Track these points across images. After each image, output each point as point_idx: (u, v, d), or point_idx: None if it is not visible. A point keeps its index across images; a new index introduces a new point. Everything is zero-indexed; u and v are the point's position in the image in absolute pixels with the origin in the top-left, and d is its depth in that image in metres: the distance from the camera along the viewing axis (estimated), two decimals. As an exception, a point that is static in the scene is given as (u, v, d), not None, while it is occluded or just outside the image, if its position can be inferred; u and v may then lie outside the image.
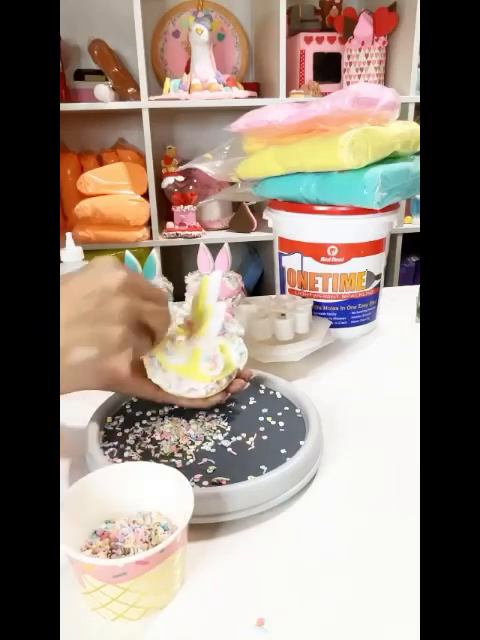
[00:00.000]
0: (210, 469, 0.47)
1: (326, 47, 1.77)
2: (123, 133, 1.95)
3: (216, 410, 0.56)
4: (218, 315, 0.52)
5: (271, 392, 0.60)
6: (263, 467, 0.47)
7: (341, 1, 1.78)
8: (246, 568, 0.40)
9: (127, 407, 0.58)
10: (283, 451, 0.49)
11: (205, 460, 0.48)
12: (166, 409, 0.56)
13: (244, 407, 0.57)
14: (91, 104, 1.62)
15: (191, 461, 0.48)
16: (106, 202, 1.63)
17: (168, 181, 1.77)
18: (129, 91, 1.67)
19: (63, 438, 0.53)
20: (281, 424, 0.54)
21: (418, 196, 1.45)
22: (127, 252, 0.75)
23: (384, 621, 0.36)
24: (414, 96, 1.68)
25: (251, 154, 0.77)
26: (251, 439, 0.51)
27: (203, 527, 0.43)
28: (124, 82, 1.70)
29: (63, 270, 0.62)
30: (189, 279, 0.77)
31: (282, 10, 1.57)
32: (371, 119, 0.67)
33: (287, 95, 1.67)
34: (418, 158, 0.74)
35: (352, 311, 0.78)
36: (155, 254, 0.76)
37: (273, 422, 0.54)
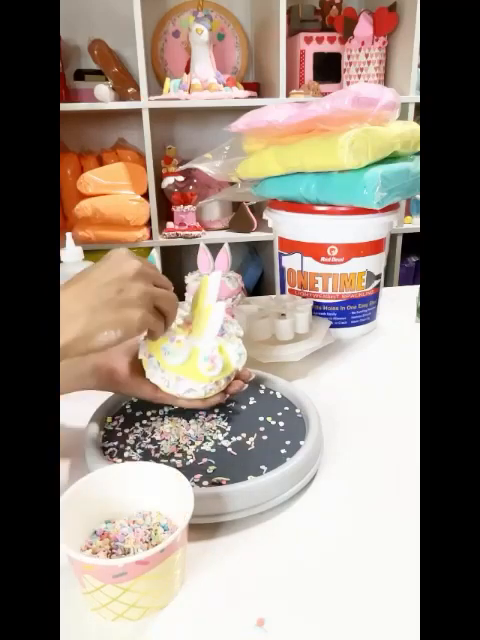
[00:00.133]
0: (210, 469, 0.47)
1: (326, 47, 1.77)
2: (123, 133, 1.95)
3: (216, 410, 0.56)
4: (218, 315, 0.52)
5: (271, 392, 0.60)
6: (263, 467, 0.47)
7: (341, 1, 1.78)
8: (246, 568, 0.40)
9: (127, 407, 0.58)
10: (283, 451, 0.49)
11: (205, 460, 0.48)
12: (166, 409, 0.56)
13: (244, 407, 0.57)
14: (91, 104, 1.62)
15: (191, 461, 0.48)
16: (106, 202, 1.63)
17: (168, 181, 1.77)
18: (129, 91, 1.67)
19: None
20: (281, 424, 0.54)
21: (418, 196, 1.45)
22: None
23: (384, 621, 0.36)
24: (414, 96, 1.68)
25: (251, 154, 0.77)
26: (251, 439, 0.51)
27: (203, 527, 0.43)
28: (124, 82, 1.69)
29: (63, 270, 0.63)
30: (189, 279, 0.77)
31: (282, 10, 1.56)
32: (371, 119, 0.67)
33: (287, 95, 1.67)
34: (418, 158, 0.74)
35: (352, 311, 0.78)
36: (155, 254, 0.76)
37: (273, 422, 0.54)
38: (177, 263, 2.05)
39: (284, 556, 0.41)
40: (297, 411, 0.56)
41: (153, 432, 0.52)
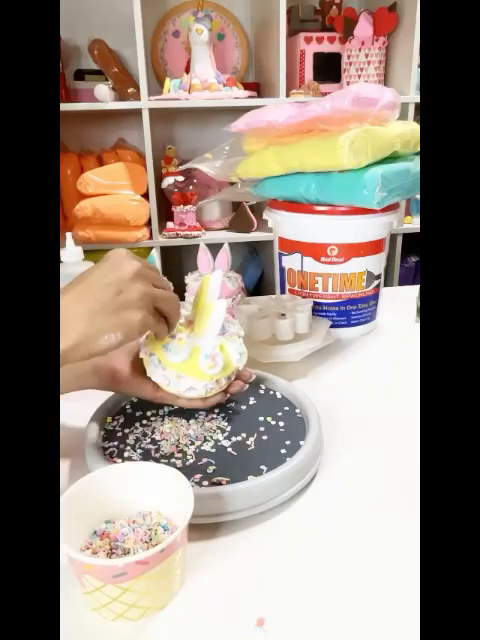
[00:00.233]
0: (210, 469, 0.47)
1: (326, 47, 1.77)
2: (123, 133, 1.95)
3: (216, 410, 0.56)
4: (219, 313, 0.52)
5: (271, 392, 0.60)
6: (263, 467, 0.47)
7: (341, 1, 1.78)
8: (246, 568, 0.40)
9: (127, 407, 0.58)
10: (283, 451, 0.49)
11: (205, 460, 0.48)
12: (166, 409, 0.56)
13: (244, 407, 0.57)
14: (91, 104, 1.62)
15: (191, 461, 0.48)
16: (106, 202, 1.63)
17: (168, 181, 1.77)
18: (129, 91, 1.67)
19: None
20: (281, 424, 0.54)
21: (418, 196, 1.45)
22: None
23: (384, 621, 0.36)
24: (414, 96, 1.68)
25: (251, 154, 0.77)
26: (251, 439, 0.51)
27: (203, 527, 0.43)
28: (124, 82, 1.69)
29: (63, 270, 0.63)
30: (189, 279, 0.77)
31: (282, 10, 1.56)
32: (371, 119, 0.67)
33: (287, 95, 1.67)
34: (418, 158, 0.74)
35: (352, 311, 0.78)
36: (155, 254, 0.76)
37: (273, 422, 0.54)
38: (177, 263, 2.05)
39: (284, 556, 0.41)
40: (297, 411, 0.56)
41: (153, 432, 0.52)
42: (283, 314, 0.71)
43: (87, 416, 0.54)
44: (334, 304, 0.77)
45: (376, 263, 0.78)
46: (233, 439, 0.51)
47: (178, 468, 0.41)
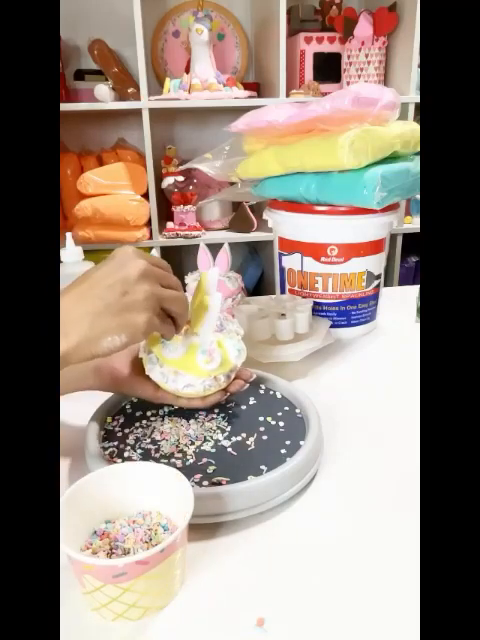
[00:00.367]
0: (210, 469, 0.47)
1: (326, 47, 1.77)
2: (123, 133, 1.95)
3: (216, 410, 0.56)
4: (215, 310, 0.52)
5: (271, 392, 0.60)
6: (263, 467, 0.47)
7: (341, 1, 1.77)
8: (246, 568, 0.40)
9: (127, 407, 0.58)
10: (283, 451, 0.49)
11: (205, 460, 0.48)
12: (166, 409, 0.56)
13: (244, 407, 0.57)
14: (91, 104, 1.62)
15: (191, 461, 0.48)
16: (106, 202, 1.63)
17: (168, 181, 1.77)
18: (129, 91, 1.67)
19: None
20: (281, 424, 0.54)
21: (418, 196, 1.45)
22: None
23: (384, 621, 0.36)
24: (414, 96, 1.68)
25: (251, 154, 0.77)
26: (251, 439, 0.51)
27: (203, 527, 0.43)
28: (124, 82, 1.69)
29: (63, 270, 0.63)
30: (189, 279, 0.77)
31: (282, 10, 1.56)
32: (371, 119, 0.67)
33: (287, 95, 1.67)
34: (418, 158, 0.74)
35: (352, 311, 0.78)
36: (155, 254, 0.76)
37: (273, 422, 0.54)
38: (177, 263, 2.05)
39: (284, 556, 0.41)
40: (297, 411, 0.56)
41: (153, 432, 0.52)
42: (283, 314, 0.71)
43: (87, 416, 0.54)
44: (334, 304, 0.77)
45: (376, 263, 0.78)
46: (233, 439, 0.51)
47: (178, 468, 0.41)
